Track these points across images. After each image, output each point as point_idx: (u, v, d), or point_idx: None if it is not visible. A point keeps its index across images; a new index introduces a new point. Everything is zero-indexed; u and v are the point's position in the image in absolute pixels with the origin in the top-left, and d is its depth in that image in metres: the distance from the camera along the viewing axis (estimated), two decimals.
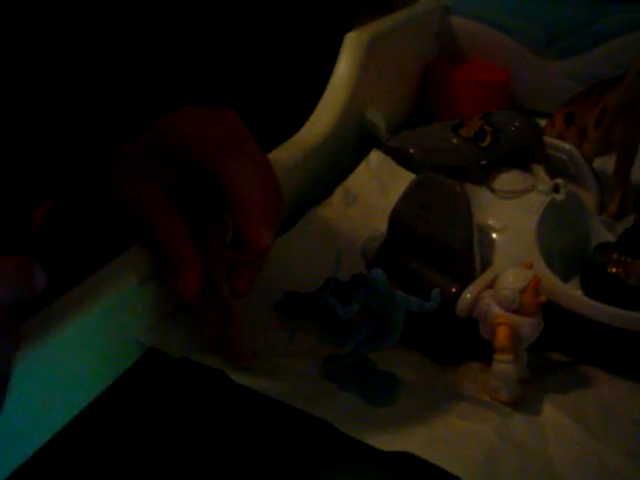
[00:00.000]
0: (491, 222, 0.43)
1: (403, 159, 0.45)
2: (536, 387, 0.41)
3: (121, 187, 0.40)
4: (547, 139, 0.50)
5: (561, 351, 0.44)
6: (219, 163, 0.39)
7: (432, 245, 0.42)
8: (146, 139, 0.42)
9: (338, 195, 0.58)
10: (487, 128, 0.47)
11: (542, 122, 0.61)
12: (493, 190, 0.45)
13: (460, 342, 0.42)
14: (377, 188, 0.59)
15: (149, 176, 0.41)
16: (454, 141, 0.46)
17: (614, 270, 0.42)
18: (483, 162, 0.45)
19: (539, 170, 0.47)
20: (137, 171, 0.41)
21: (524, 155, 0.48)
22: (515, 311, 0.38)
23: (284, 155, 0.57)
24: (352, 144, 0.64)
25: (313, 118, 0.61)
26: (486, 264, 0.42)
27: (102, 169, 0.42)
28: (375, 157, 0.61)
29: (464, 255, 0.41)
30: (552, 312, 0.40)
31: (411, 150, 0.45)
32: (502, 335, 0.38)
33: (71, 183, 0.44)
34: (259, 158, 0.41)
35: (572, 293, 0.42)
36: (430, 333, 0.42)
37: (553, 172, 0.48)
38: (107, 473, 0.36)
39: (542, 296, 0.39)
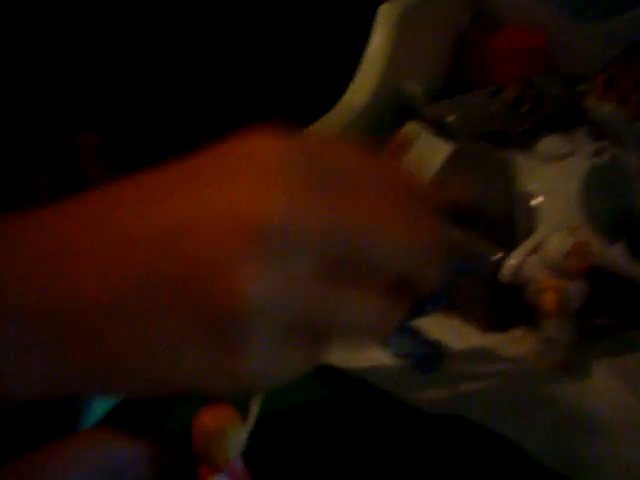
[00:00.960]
0: (534, 187, 0.43)
1: (441, 127, 0.45)
2: (583, 352, 0.41)
3: None
4: (587, 102, 0.50)
5: (607, 315, 0.43)
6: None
7: (474, 213, 0.42)
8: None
9: None
10: (527, 93, 0.47)
11: (581, 87, 0.60)
12: (535, 155, 0.45)
13: (505, 308, 0.42)
14: (414, 159, 0.59)
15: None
16: (493, 107, 0.45)
17: None
18: (524, 127, 0.45)
19: (580, 134, 0.47)
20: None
21: (565, 119, 0.47)
22: (561, 275, 0.38)
23: (321, 131, 0.57)
24: (388, 117, 0.64)
25: (349, 92, 0.61)
26: (530, 229, 0.42)
27: None
28: (411, 128, 0.61)
29: (505, 221, 0.41)
30: (598, 276, 0.40)
31: (450, 118, 0.45)
32: (549, 300, 0.38)
33: None
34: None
35: (618, 256, 0.41)
36: (475, 299, 0.42)
37: (594, 135, 0.48)
38: None
39: (588, 260, 0.39)
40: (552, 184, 0.43)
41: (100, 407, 0.33)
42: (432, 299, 0.39)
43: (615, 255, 0.41)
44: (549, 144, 0.45)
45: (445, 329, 0.42)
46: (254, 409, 0.27)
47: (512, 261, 0.40)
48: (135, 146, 0.52)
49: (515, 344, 0.42)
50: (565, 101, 0.47)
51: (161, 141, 0.54)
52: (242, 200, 0.22)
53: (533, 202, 0.43)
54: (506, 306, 0.42)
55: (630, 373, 0.40)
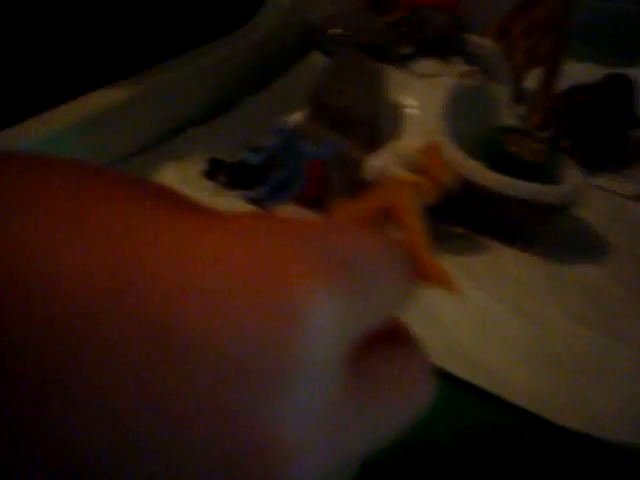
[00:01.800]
0: (403, 98, 0.46)
1: (325, 41, 0.48)
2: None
3: None
4: (470, 36, 0.53)
5: (463, 224, 0.47)
6: None
7: (345, 115, 0.45)
8: None
9: (275, 87, 0.60)
10: (411, 17, 0.50)
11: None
12: (411, 73, 0.48)
13: None
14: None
15: None
16: (377, 24, 0.48)
17: (513, 149, 0.46)
18: (402, 47, 0.48)
19: (458, 60, 0.50)
20: None
21: (443, 48, 0.51)
22: (415, 171, 0.42)
23: (224, 50, 0.59)
24: (293, 46, 0.66)
25: (256, 18, 0.63)
26: (397, 137, 0.45)
27: None
28: (314, 58, 0.64)
29: (372, 123, 0.44)
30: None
31: (334, 30, 0.48)
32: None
33: None
34: None
35: (474, 165, 0.45)
36: (337, 196, 0.45)
37: (469, 65, 0.51)
38: None
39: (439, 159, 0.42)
40: (422, 99, 0.47)
41: None
42: (289, 186, 0.42)
43: (471, 164, 0.45)
44: (424, 65, 0.48)
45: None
46: None
47: (375, 161, 0.43)
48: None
49: None
50: (445, 28, 0.50)
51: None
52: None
53: (402, 112, 0.46)
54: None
55: (475, 274, 0.43)
